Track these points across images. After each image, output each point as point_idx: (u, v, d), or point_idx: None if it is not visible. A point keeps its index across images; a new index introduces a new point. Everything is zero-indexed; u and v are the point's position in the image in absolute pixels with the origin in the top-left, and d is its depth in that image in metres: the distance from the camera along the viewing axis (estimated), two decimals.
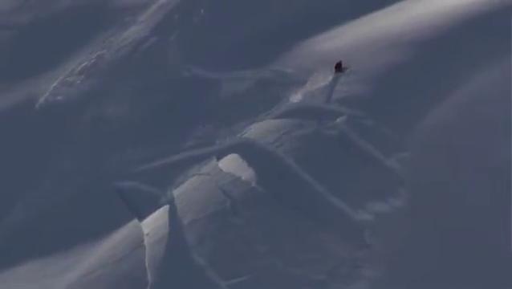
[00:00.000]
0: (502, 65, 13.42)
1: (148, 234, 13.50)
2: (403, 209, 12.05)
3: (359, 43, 15.32)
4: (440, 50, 14.26)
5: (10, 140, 17.94)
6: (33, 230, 15.46)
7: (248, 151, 14.09)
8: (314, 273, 11.57)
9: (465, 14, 14.75)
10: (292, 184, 12.95)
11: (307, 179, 12.87)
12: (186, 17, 19.17)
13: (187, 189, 14.04)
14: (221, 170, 13.96)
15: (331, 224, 12.16)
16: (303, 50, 16.18)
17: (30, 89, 19.15)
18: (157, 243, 13.16)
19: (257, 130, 14.43)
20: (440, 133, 12.92)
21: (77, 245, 14.42)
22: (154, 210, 14.09)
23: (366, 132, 13.28)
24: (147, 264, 12.83)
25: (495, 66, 13.50)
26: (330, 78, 14.57)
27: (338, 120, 13.62)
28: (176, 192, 14.17)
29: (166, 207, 13.93)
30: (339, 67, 14.57)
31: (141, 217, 14.17)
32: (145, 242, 13.31)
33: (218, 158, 14.41)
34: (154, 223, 13.72)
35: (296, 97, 14.74)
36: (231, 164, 14.03)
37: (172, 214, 13.60)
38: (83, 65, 19.15)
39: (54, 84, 18.93)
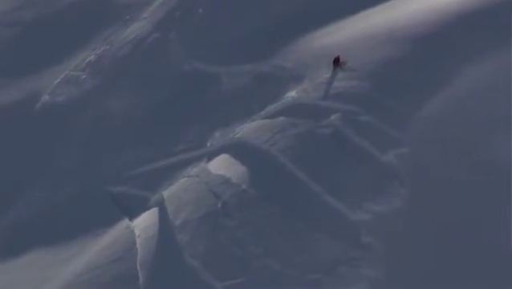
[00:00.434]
0: (496, 59, 13.46)
1: (139, 236, 13.37)
2: (400, 208, 11.87)
3: (356, 38, 15.35)
4: (436, 46, 14.27)
5: (10, 137, 18.09)
6: (31, 230, 15.53)
7: (241, 151, 13.93)
8: (310, 273, 11.43)
9: (460, 10, 14.80)
10: (287, 183, 12.76)
11: (302, 178, 12.67)
12: (187, 13, 19.29)
13: (177, 191, 13.94)
14: (211, 172, 13.74)
15: (327, 223, 11.98)
16: (302, 45, 16.22)
17: (33, 86, 19.25)
18: (149, 245, 13.05)
19: (250, 129, 14.29)
20: (436, 127, 12.84)
21: (70, 246, 14.45)
22: (145, 212, 14.03)
23: (362, 129, 13.10)
24: (139, 266, 12.74)
25: (489, 60, 13.51)
26: (328, 72, 14.59)
27: (332, 117, 13.43)
28: (166, 193, 14.07)
29: (157, 209, 13.80)
30: (337, 62, 14.61)
31: (133, 219, 14.09)
32: (137, 244, 13.19)
33: (211, 159, 14.21)
34: (146, 225, 13.61)
35: (291, 94, 14.62)
36: (222, 164, 13.88)
37: (164, 216, 13.45)
38: (87, 61, 19.31)
39: (57, 81, 19.06)
